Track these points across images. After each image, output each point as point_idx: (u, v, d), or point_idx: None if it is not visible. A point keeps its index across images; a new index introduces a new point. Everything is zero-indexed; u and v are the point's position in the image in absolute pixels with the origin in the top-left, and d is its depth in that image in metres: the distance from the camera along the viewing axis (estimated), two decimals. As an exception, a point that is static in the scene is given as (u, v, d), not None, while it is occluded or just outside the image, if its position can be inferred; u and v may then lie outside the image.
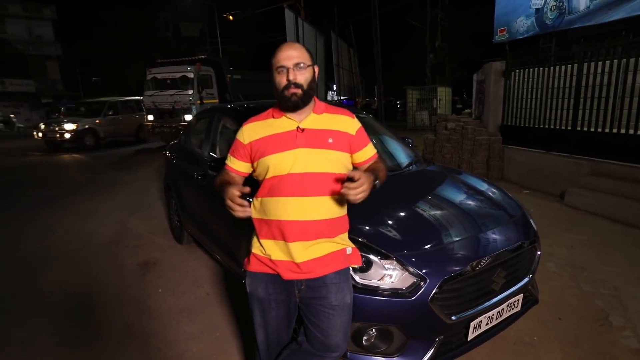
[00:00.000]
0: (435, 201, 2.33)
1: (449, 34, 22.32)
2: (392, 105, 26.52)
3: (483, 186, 2.63)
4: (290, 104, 1.37)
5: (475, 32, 19.87)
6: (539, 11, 6.08)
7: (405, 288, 1.70)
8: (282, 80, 1.36)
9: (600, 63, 4.97)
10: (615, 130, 4.84)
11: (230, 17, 23.59)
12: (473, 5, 20.69)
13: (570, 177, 5.24)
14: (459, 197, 2.45)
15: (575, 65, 5.33)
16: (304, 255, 1.38)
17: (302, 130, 1.40)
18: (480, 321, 1.86)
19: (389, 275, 1.73)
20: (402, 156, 3.06)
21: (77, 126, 12.51)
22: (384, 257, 1.75)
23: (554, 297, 2.79)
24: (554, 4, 5.79)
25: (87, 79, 32.11)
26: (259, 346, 1.56)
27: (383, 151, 3.09)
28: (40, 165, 10.36)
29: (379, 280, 1.72)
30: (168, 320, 2.68)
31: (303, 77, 1.36)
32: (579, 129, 5.33)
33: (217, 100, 12.36)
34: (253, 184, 1.49)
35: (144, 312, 2.80)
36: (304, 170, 1.37)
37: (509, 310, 1.99)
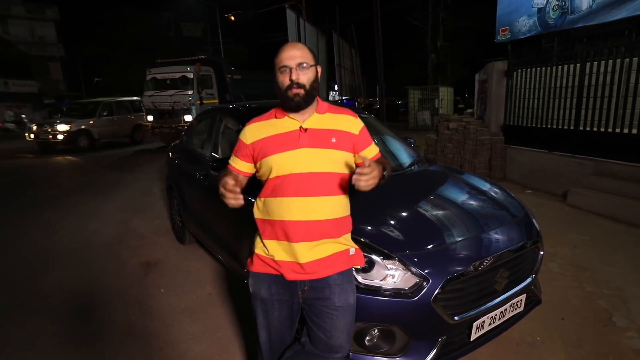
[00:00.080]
0: (437, 201, 2.32)
1: (450, 33, 22.28)
2: (394, 106, 26.51)
3: (485, 186, 2.62)
4: (293, 104, 1.37)
5: (477, 32, 19.87)
6: (541, 11, 6.07)
7: (408, 288, 1.70)
8: (285, 80, 1.36)
9: (603, 62, 4.96)
10: (618, 130, 4.83)
11: (232, 18, 23.59)
12: (475, 5, 20.67)
13: (573, 177, 5.22)
14: (461, 197, 2.44)
15: (578, 64, 5.31)
16: (308, 255, 1.38)
17: (305, 130, 1.40)
18: (483, 321, 1.85)
19: (391, 275, 1.73)
20: (404, 156, 3.05)
21: (70, 127, 12.20)
22: (387, 257, 1.75)
23: (556, 298, 2.79)
24: (557, 3, 5.77)
25: (90, 80, 32.21)
26: (261, 347, 1.55)
27: (385, 151, 3.08)
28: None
29: (381, 280, 1.72)
30: (170, 320, 2.69)
31: (306, 77, 1.36)
32: (581, 128, 5.31)
33: (217, 101, 12.31)
34: (257, 185, 1.49)
35: (146, 312, 2.80)
36: (307, 170, 1.37)
37: (512, 311, 1.99)
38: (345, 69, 21.04)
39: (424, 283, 1.70)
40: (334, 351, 1.46)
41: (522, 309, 2.05)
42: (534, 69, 6.04)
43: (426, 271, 1.72)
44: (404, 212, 2.15)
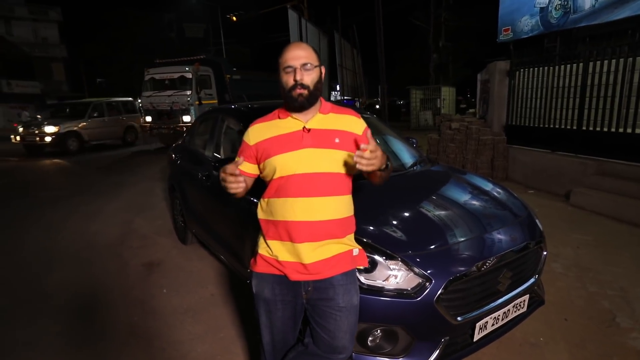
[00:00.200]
0: (440, 201, 2.32)
1: (452, 33, 22.24)
2: (396, 106, 26.49)
3: (488, 186, 2.62)
4: (297, 104, 1.37)
5: (479, 32, 19.81)
6: (543, 10, 6.05)
7: (411, 289, 1.70)
8: (289, 80, 1.36)
9: (605, 62, 4.94)
10: (621, 130, 4.81)
11: (234, 18, 23.62)
12: (477, 4, 20.60)
13: (576, 177, 5.21)
14: (464, 197, 2.43)
15: (581, 64, 5.29)
16: (312, 256, 1.38)
17: (308, 130, 1.40)
18: (486, 322, 1.84)
19: (394, 275, 1.72)
20: (406, 156, 3.05)
21: (58, 129, 11.78)
22: (389, 257, 1.75)
23: (560, 298, 2.78)
24: (559, 2, 5.75)
25: (92, 80, 32.30)
26: (264, 347, 1.55)
27: (387, 151, 3.06)
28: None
29: (384, 280, 1.72)
30: (172, 321, 2.69)
31: (310, 77, 1.36)
32: (584, 128, 5.30)
33: (216, 101, 12.22)
34: (260, 186, 1.49)
35: (149, 313, 2.81)
36: (311, 171, 1.37)
37: (515, 311, 1.98)
38: (347, 69, 21.04)
39: (427, 283, 1.69)
40: (337, 352, 1.45)
41: (525, 309, 2.04)
42: (536, 69, 6.03)
43: (429, 271, 1.71)
44: (407, 212, 2.14)
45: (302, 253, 1.37)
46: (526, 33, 6.42)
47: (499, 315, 1.89)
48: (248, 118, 2.17)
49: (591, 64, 5.14)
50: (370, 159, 1.19)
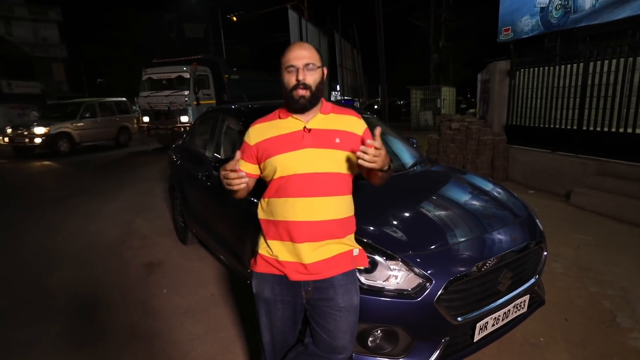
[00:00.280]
0: (440, 201, 2.32)
1: (453, 33, 22.23)
2: (396, 106, 26.49)
3: (488, 186, 2.62)
4: (298, 105, 1.37)
5: (480, 32, 19.79)
6: (543, 10, 6.05)
7: (411, 289, 1.69)
8: (291, 80, 1.35)
9: (606, 62, 4.93)
10: (621, 130, 4.81)
11: (234, 18, 23.63)
12: (477, 4, 20.59)
13: (576, 177, 5.20)
14: (464, 198, 2.43)
15: (581, 64, 5.29)
16: (313, 256, 1.38)
17: (309, 130, 1.40)
18: (487, 322, 1.84)
19: (394, 276, 1.72)
20: (407, 156, 3.05)
21: (48, 130, 11.43)
22: (390, 257, 1.75)
23: (560, 298, 2.77)
24: (559, 2, 5.75)
25: (92, 81, 32.29)
26: (264, 347, 1.55)
27: (387, 151, 3.07)
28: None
29: (384, 281, 1.72)
30: (172, 321, 2.69)
31: (312, 78, 1.36)
32: (584, 128, 5.29)
33: (214, 101, 12.14)
34: (261, 186, 1.49)
35: (149, 313, 2.81)
36: (311, 171, 1.37)
37: (515, 312, 1.98)
38: (347, 69, 21.04)
39: (427, 284, 1.69)
40: (337, 352, 1.45)
41: (525, 309, 2.04)
42: (536, 69, 6.03)
43: (429, 272, 1.71)
44: (407, 212, 2.14)
45: (303, 253, 1.37)
46: (526, 33, 6.42)
47: (500, 316, 1.89)
48: (248, 118, 2.17)
49: (591, 63, 5.14)
50: (374, 155, 1.20)
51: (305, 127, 1.40)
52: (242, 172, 1.26)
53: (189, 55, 12.66)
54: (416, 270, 1.71)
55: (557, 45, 6.47)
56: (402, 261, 1.73)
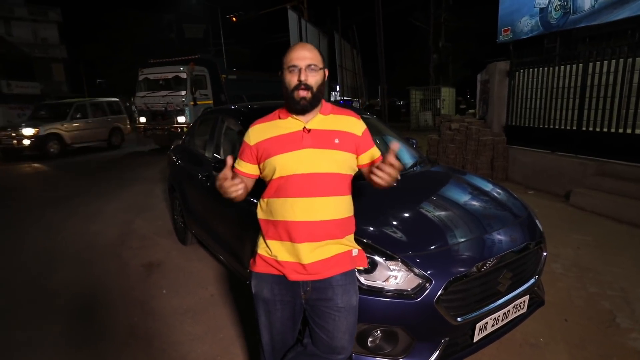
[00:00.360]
0: (440, 202, 2.32)
1: (452, 34, 22.26)
2: (396, 106, 26.50)
3: (488, 187, 2.62)
4: (299, 107, 1.37)
5: (479, 32, 19.82)
6: (543, 11, 6.05)
7: (411, 289, 1.69)
8: (292, 80, 1.35)
9: (605, 62, 4.94)
10: (621, 130, 4.81)
11: (234, 19, 23.65)
12: (477, 5, 20.63)
13: (576, 178, 5.21)
14: (464, 198, 2.43)
15: (581, 64, 5.30)
16: (312, 256, 1.38)
17: (309, 131, 1.40)
18: (486, 323, 1.84)
19: (394, 276, 1.72)
20: (406, 157, 3.05)
21: (37, 131, 11.04)
22: (389, 258, 1.75)
23: (560, 299, 2.77)
24: (559, 3, 5.76)
25: (92, 81, 32.30)
26: (263, 347, 1.55)
27: (386, 152, 3.07)
28: None
29: (384, 281, 1.72)
30: (172, 321, 2.69)
31: (314, 79, 1.36)
32: (584, 129, 5.30)
33: (211, 102, 12.06)
34: (260, 186, 1.49)
35: (148, 313, 2.81)
36: (311, 171, 1.37)
37: (515, 312, 1.98)
38: (346, 70, 21.07)
39: (427, 284, 1.69)
40: (336, 352, 1.45)
41: (525, 310, 2.04)
42: (536, 69, 6.03)
43: (429, 272, 1.71)
44: (407, 213, 2.14)
45: (302, 253, 1.37)
46: (526, 33, 6.42)
47: (499, 316, 1.89)
48: (248, 119, 2.17)
49: (591, 64, 5.14)
50: (389, 174, 1.24)
51: (304, 127, 1.40)
52: (237, 180, 1.26)
53: (188, 56, 12.62)
54: (416, 270, 1.71)
55: (557, 45, 6.47)
56: (402, 261, 1.73)
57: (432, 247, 1.85)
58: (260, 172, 1.48)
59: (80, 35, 30.49)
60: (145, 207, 5.63)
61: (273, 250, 1.42)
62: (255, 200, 1.51)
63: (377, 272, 1.73)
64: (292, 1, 17.17)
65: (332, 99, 24.32)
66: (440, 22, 21.06)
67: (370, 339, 1.75)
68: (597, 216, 4.52)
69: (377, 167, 1.27)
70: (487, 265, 1.81)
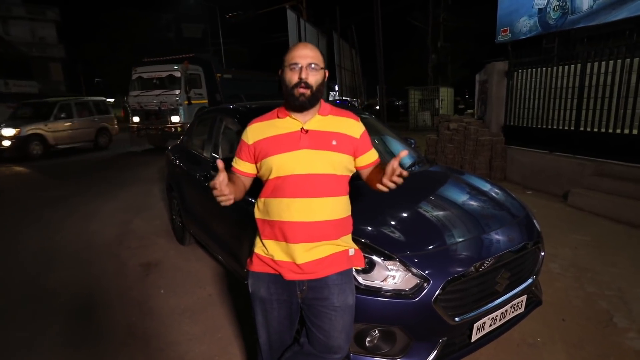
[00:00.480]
0: (438, 202, 2.32)
1: (451, 34, 22.27)
2: (394, 106, 26.51)
3: (486, 187, 2.62)
4: (298, 103, 1.37)
5: (478, 33, 19.86)
6: (541, 11, 6.06)
7: (409, 289, 1.69)
8: (293, 78, 1.35)
9: (603, 63, 4.95)
10: (619, 131, 4.82)
11: (232, 18, 23.62)
12: (475, 5, 20.65)
13: (574, 178, 5.22)
14: (462, 198, 2.44)
15: (579, 65, 5.31)
16: (306, 256, 1.38)
17: (307, 131, 1.40)
18: (484, 322, 1.84)
19: (392, 276, 1.72)
20: (405, 157, 3.04)
21: (18, 132, 10.46)
22: (387, 258, 1.75)
23: (557, 299, 2.78)
24: (557, 3, 5.77)
25: (90, 80, 32.24)
26: (261, 347, 1.55)
27: (385, 152, 3.08)
28: None
29: (382, 281, 1.72)
30: (170, 321, 2.68)
31: (314, 78, 1.36)
32: (582, 129, 5.31)
33: (206, 101, 11.92)
34: (258, 185, 1.49)
35: (146, 313, 2.80)
36: (308, 172, 1.37)
37: (513, 312, 1.98)
38: (345, 70, 21.05)
39: (425, 284, 1.69)
40: (332, 352, 1.45)
41: (522, 309, 2.04)
42: (534, 70, 6.04)
43: (427, 272, 1.71)
44: (405, 212, 2.14)
45: (296, 253, 1.37)
46: (524, 34, 6.43)
47: (497, 316, 1.89)
48: (246, 118, 2.16)
49: (589, 64, 5.15)
50: (395, 182, 1.28)
51: (302, 128, 1.40)
52: (226, 190, 1.25)
53: (183, 55, 12.49)
54: (414, 270, 1.71)
55: (555, 46, 6.50)
56: (400, 261, 1.73)
57: (430, 247, 1.85)
58: (257, 172, 1.48)
59: (79, 34, 30.46)
60: (143, 207, 5.62)
61: (269, 250, 1.42)
62: (253, 200, 1.52)
63: (375, 272, 1.73)
64: (291, 1, 17.14)
65: (330, 98, 24.32)
66: (439, 22, 21.07)
67: (368, 339, 1.75)
68: (595, 216, 4.53)
69: (386, 178, 1.28)
70: (485, 265, 1.81)
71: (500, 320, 1.92)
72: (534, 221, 2.29)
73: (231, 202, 1.30)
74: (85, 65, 30.78)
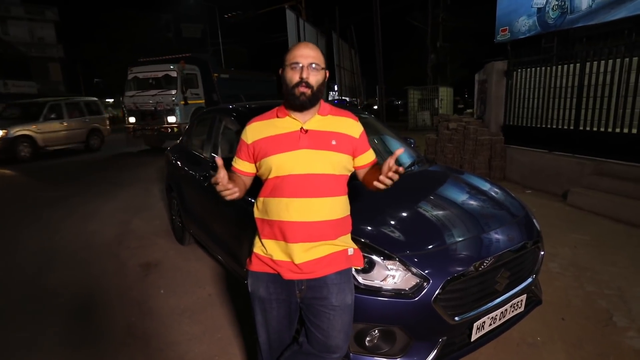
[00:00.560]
0: (437, 201, 2.32)
1: (450, 34, 22.31)
2: (394, 106, 26.52)
3: (485, 186, 2.62)
4: (298, 102, 1.37)
5: (477, 32, 19.89)
6: (540, 10, 6.07)
7: (408, 289, 1.69)
8: (294, 77, 1.35)
9: (602, 62, 4.95)
10: (618, 130, 4.83)
11: (231, 17, 23.62)
12: (474, 5, 20.68)
13: (573, 177, 5.22)
14: (462, 197, 2.44)
15: (578, 64, 5.31)
16: (304, 256, 1.38)
17: (306, 131, 1.40)
18: (484, 322, 1.85)
19: (391, 275, 1.72)
20: (404, 156, 3.04)
21: (5, 133, 10.11)
22: (387, 257, 1.75)
23: (557, 298, 2.78)
24: (556, 3, 5.77)
25: (89, 81, 32.22)
26: (260, 346, 1.55)
27: (385, 151, 3.08)
28: None
29: (381, 280, 1.72)
30: (170, 321, 2.68)
31: (315, 78, 1.36)
32: (581, 128, 5.31)
33: (202, 101, 11.83)
34: (257, 185, 1.49)
35: (146, 313, 2.80)
36: (307, 172, 1.37)
37: (513, 311, 1.98)
38: (344, 70, 21.07)
39: (425, 283, 1.69)
40: (331, 351, 1.45)
41: (522, 309, 2.04)
42: (533, 69, 6.04)
43: (427, 271, 1.71)
44: (404, 212, 2.14)
45: (294, 253, 1.37)
46: (523, 33, 6.44)
47: (497, 315, 1.89)
48: (245, 118, 2.16)
49: (588, 64, 5.15)
50: (391, 178, 1.29)
51: (302, 127, 1.40)
52: (230, 185, 1.26)
53: (180, 54, 12.40)
54: (414, 270, 1.71)
55: (554, 45, 6.50)
56: (400, 261, 1.73)
57: (430, 247, 1.85)
58: (257, 171, 1.48)
59: (78, 34, 30.46)
60: (142, 207, 5.62)
61: (268, 249, 1.42)
62: (253, 200, 1.51)
63: (375, 272, 1.73)
64: (290, 1, 17.14)
65: (329, 98, 24.33)
66: (438, 22, 21.10)
67: (368, 339, 1.75)
68: (594, 215, 4.53)
69: (383, 175, 1.28)
70: (485, 264, 1.81)
71: (500, 319, 1.92)
72: (534, 220, 2.29)
73: (237, 194, 1.30)
74: (85, 66, 30.76)
